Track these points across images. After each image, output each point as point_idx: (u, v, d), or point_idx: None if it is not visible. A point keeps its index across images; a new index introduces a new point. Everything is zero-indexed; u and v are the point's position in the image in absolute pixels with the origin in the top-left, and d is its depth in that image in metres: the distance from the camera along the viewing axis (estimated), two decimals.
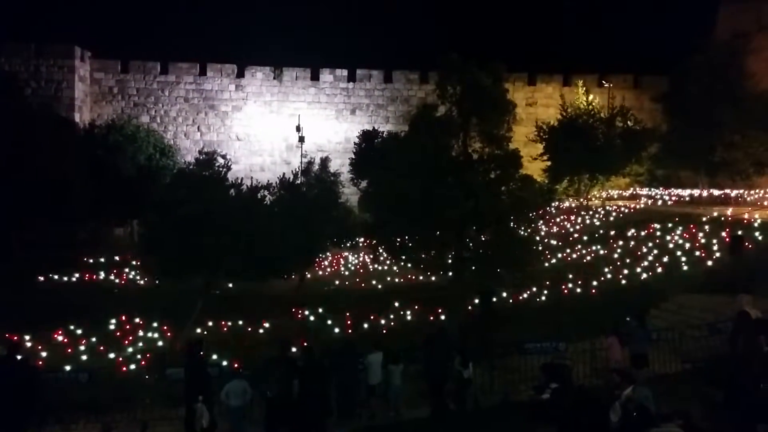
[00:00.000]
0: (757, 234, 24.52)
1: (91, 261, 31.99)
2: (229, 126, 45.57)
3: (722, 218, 28.60)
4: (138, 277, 28.95)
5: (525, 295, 24.30)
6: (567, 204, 40.16)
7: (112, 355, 18.50)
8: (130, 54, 45.12)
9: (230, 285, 25.06)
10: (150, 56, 45.15)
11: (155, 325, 21.58)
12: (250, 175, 39.54)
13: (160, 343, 20.09)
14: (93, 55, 44.41)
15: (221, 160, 27.21)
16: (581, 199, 39.99)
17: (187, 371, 12.54)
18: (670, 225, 29.33)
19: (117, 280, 29.00)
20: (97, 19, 56.12)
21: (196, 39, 50.49)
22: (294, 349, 15.77)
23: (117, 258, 32.45)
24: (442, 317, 21.83)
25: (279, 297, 25.67)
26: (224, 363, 16.04)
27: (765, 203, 32.10)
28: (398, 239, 23.99)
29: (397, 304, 23.82)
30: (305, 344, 14.77)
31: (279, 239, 20.68)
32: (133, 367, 16.92)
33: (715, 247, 24.63)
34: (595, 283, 24.25)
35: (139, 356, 18.45)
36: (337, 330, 21.28)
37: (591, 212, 36.84)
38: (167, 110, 45.11)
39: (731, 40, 41.57)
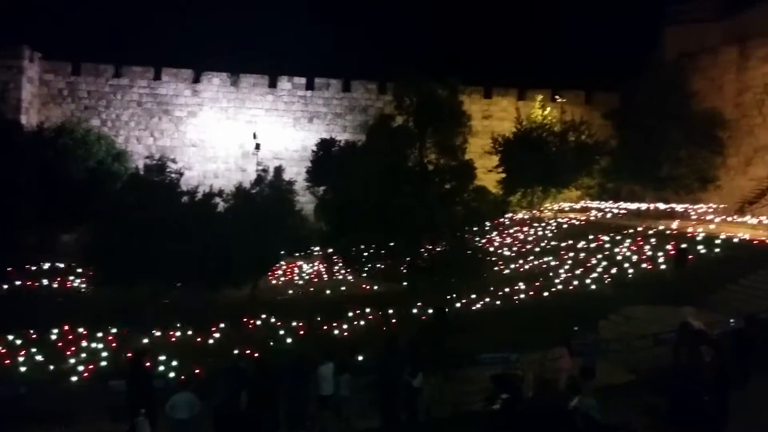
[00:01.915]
0: (700, 247, 25.32)
1: (34, 268, 30.91)
2: (183, 132, 44.82)
3: (668, 232, 29.44)
4: (83, 286, 28.08)
5: (478, 306, 24.50)
6: (520, 215, 40.79)
7: (52, 367, 17.85)
8: (81, 56, 44.00)
9: (180, 294, 24.52)
10: (103, 59, 44.12)
11: (100, 335, 20.94)
12: (205, 182, 38.94)
13: (104, 354, 19.48)
14: (43, 56, 43.16)
15: (173, 166, 26.67)
16: (534, 211, 40.67)
17: (131, 383, 12.19)
18: (618, 237, 30.04)
19: (60, 288, 28.06)
20: (48, 19, 54.58)
21: (152, 42, 49.48)
22: (244, 360, 15.51)
23: (62, 265, 31.43)
24: (395, 327, 21.80)
25: (230, 306, 25.26)
26: (171, 374, 15.66)
27: (708, 218, 33.19)
28: (353, 248, 23.97)
29: (350, 314, 23.71)
30: (256, 355, 14.55)
31: (232, 247, 20.40)
32: (74, 379, 16.36)
33: (661, 260, 25.32)
34: (546, 294, 24.62)
35: (81, 368, 17.84)
36: (289, 340, 21.03)
37: (543, 224, 37.47)
38: (119, 114, 44.10)
39: (677, 60, 43.11)
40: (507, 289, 25.97)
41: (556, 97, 46.83)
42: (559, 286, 25.35)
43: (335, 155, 37.53)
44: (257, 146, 42.82)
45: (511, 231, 37.34)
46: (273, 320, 23.29)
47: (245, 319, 23.05)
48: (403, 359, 14.47)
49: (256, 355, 15.28)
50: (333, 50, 52.03)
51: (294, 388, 13.45)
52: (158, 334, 21.07)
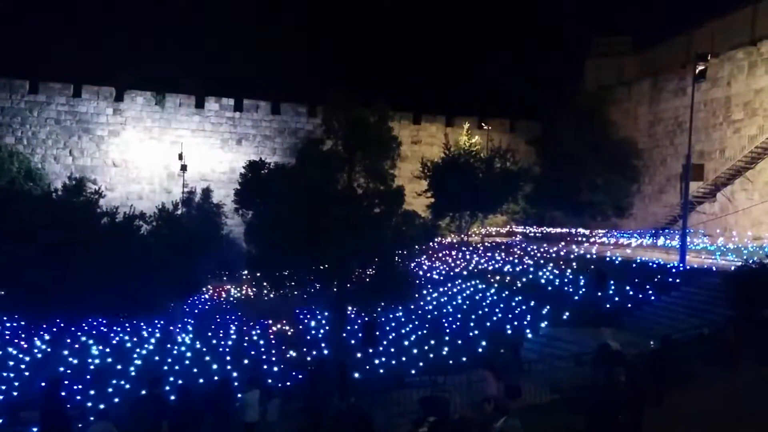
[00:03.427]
0: (618, 271, 26.40)
1: None
2: (105, 151, 43.29)
3: (588, 256, 30.58)
4: None
5: (407, 329, 24.61)
6: (449, 239, 41.44)
7: None
8: None
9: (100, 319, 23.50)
10: (18, 74, 42.18)
11: (11, 363, 19.73)
12: (128, 203, 37.67)
13: (15, 383, 18.33)
14: None
15: (93, 186, 25.68)
16: (462, 235, 41.41)
17: (44, 414, 11.51)
18: (542, 261, 30.95)
19: None
20: None
21: (71, 59, 47.70)
22: (167, 387, 14.95)
23: None
24: (324, 351, 21.63)
25: (153, 330, 24.39)
26: (88, 404, 14.91)
27: (624, 242, 34.70)
28: (281, 272, 23.68)
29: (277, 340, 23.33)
30: (179, 382, 14.06)
31: (154, 272, 19.74)
32: None
33: (581, 283, 26.23)
34: (473, 316, 25.00)
35: None
36: (215, 366, 20.45)
37: (471, 248, 38.18)
38: (35, 132, 42.17)
39: (596, 91, 45.28)
40: (435, 312, 26.26)
41: (483, 124, 48.15)
42: (486, 309, 25.82)
43: (264, 178, 37.10)
44: (183, 167, 41.83)
45: (440, 255, 37.86)
46: (198, 345, 22.63)
47: (168, 344, 22.29)
48: (331, 384, 14.32)
49: (179, 382, 14.75)
50: (262, 72, 51.73)
51: (218, 415, 13.06)
52: (75, 361, 20.06)
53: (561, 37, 55.11)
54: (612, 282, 24.43)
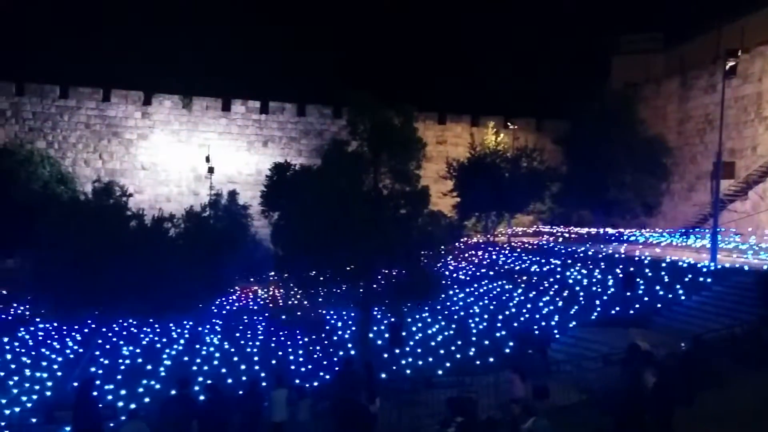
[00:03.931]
0: (647, 271, 26.05)
1: None
2: (134, 154, 43.97)
3: (616, 255, 30.22)
4: (28, 313, 27.05)
5: (433, 329, 24.60)
6: (475, 240, 41.28)
7: None
8: (26, 76, 42.84)
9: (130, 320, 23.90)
10: (49, 79, 43.03)
11: (44, 364, 20.17)
12: (156, 206, 38.23)
13: (49, 384, 18.75)
14: None
15: (121, 189, 26.03)
16: (488, 235, 41.22)
17: (77, 414, 11.74)
18: (569, 261, 30.67)
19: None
20: None
21: (101, 63, 48.52)
22: (196, 387, 15.16)
23: (5, 291, 30.24)
24: (351, 352, 21.71)
25: (182, 331, 24.76)
26: (119, 403, 15.17)
27: (653, 242, 34.22)
28: (307, 273, 23.79)
29: (306, 339, 23.50)
30: (208, 382, 14.24)
31: (182, 274, 19.99)
32: (17, 410, 15.68)
33: (610, 283, 25.94)
34: (500, 317, 24.89)
35: (25, 398, 17.13)
36: (243, 366, 20.67)
37: (497, 248, 38.00)
38: (66, 136, 43.01)
39: (623, 89, 44.67)
40: (462, 312, 26.20)
41: (509, 123, 47.86)
42: (513, 309, 25.68)
43: (290, 179, 37.36)
44: (210, 170, 42.31)
45: (466, 255, 37.75)
46: (226, 345, 22.90)
47: (197, 345, 22.59)
48: (359, 384, 14.36)
49: (208, 381, 14.92)
50: (288, 74, 52.07)
51: (246, 415, 13.19)
52: (106, 361, 20.44)
53: (587, 35, 54.49)
54: (641, 282, 24.12)
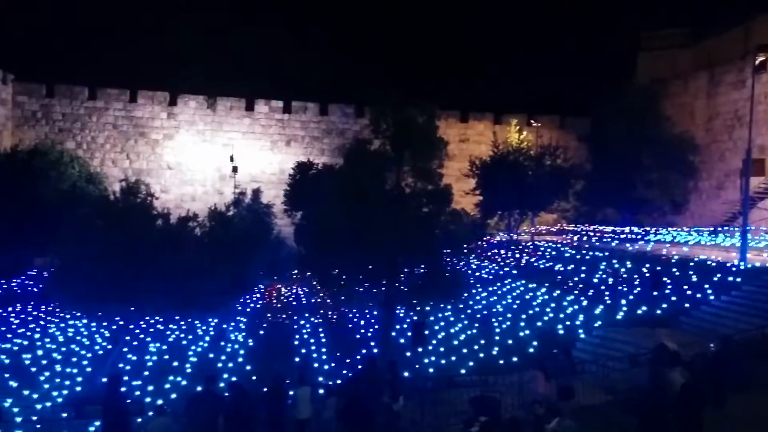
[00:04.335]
0: (674, 270, 25.70)
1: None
2: (159, 154, 44.56)
3: (642, 254, 29.84)
4: (58, 310, 27.57)
5: (456, 328, 24.54)
6: (498, 238, 41.08)
7: (26, 392, 17.44)
8: (56, 78, 43.68)
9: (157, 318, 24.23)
10: (77, 81, 43.80)
11: (74, 359, 20.55)
12: (182, 205, 38.74)
13: (78, 379, 19.10)
14: (16, 78, 42.76)
15: (147, 189, 26.31)
16: (511, 234, 40.98)
17: (106, 409, 11.93)
18: (593, 260, 30.35)
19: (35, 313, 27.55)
20: (22, 41, 54.19)
21: (127, 65, 49.31)
22: (221, 384, 15.31)
23: (35, 289, 30.88)
24: (374, 350, 21.75)
25: (207, 328, 25.04)
26: (147, 399, 15.39)
27: (681, 240, 33.73)
28: (330, 272, 23.87)
29: (329, 337, 23.61)
30: (233, 379, 14.38)
31: (207, 272, 20.20)
32: (48, 404, 15.99)
33: (636, 282, 25.62)
34: (523, 316, 24.74)
35: (55, 393, 17.47)
36: (267, 364, 20.82)
37: (520, 247, 37.76)
38: (94, 137, 43.73)
39: (649, 86, 44.07)
40: (485, 311, 26.10)
41: (532, 121, 47.52)
42: (536, 309, 25.51)
43: (312, 178, 37.56)
44: (234, 169, 42.73)
45: (489, 253, 37.59)
46: (251, 343, 23.10)
47: (222, 343, 22.83)
48: (381, 382, 14.39)
49: (233, 379, 15.08)
50: (310, 74, 52.29)
51: (272, 412, 13.30)
52: (134, 358, 20.76)
53: (612, 31, 53.84)
54: (668, 281, 23.79)
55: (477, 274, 32.57)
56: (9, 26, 53.60)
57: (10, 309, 27.62)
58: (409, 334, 21.29)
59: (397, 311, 23.97)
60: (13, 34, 53.91)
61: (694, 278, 24.43)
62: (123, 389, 13.01)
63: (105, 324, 24.26)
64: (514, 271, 32.20)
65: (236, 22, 58.15)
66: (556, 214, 43.52)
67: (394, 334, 23.08)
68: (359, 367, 15.55)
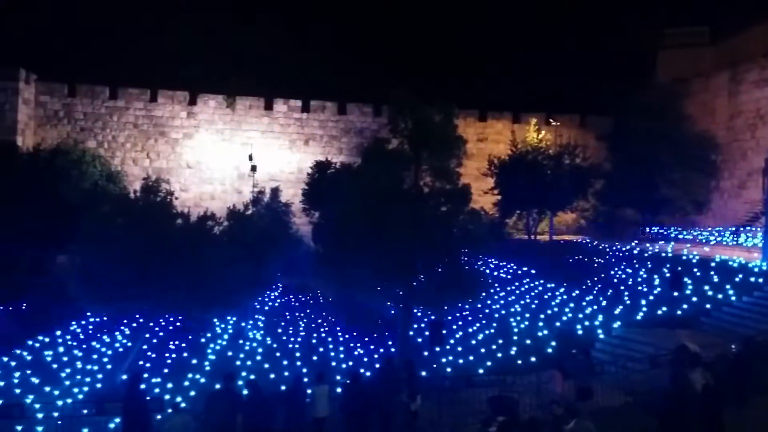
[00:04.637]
0: (695, 270, 25.41)
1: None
2: (179, 153, 44.93)
3: (663, 254, 29.54)
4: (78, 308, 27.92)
5: (474, 327, 24.47)
6: (516, 237, 40.88)
7: (47, 389, 17.70)
8: (77, 77, 44.20)
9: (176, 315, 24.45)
10: (98, 80, 44.33)
11: (94, 357, 20.81)
12: (201, 204, 39.04)
13: (99, 376, 19.34)
14: (38, 78, 43.37)
15: (166, 187, 26.50)
16: (530, 233, 40.77)
17: (126, 406, 12.09)
18: (613, 260, 30.12)
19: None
20: (44, 41, 54.95)
21: (147, 64, 49.74)
22: (239, 382, 15.42)
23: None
24: (392, 349, 21.76)
25: (226, 326, 25.22)
26: (166, 397, 15.54)
27: (702, 240, 33.35)
28: (350, 271, 23.89)
29: (346, 336, 23.65)
30: (251, 377, 14.47)
31: (226, 270, 20.30)
32: (69, 401, 16.21)
33: (657, 282, 25.37)
34: (542, 316, 24.61)
35: (76, 389, 17.71)
36: (285, 362, 20.94)
37: (539, 246, 37.55)
38: (115, 136, 44.21)
39: (670, 84, 43.59)
40: (503, 311, 25.99)
41: (551, 120, 47.21)
42: (555, 308, 25.35)
43: (331, 177, 37.64)
44: (253, 168, 42.94)
45: (507, 253, 37.41)
46: (268, 341, 23.22)
47: (240, 340, 22.98)
48: (399, 381, 14.40)
49: (251, 377, 15.16)
50: (329, 73, 52.41)
51: (290, 410, 13.36)
52: (153, 355, 20.97)
53: (631, 29, 53.24)
54: (689, 281, 23.54)
55: (495, 273, 32.45)
56: (31, 27, 54.39)
57: (29, 306, 28.06)
58: (427, 333, 21.27)
59: (415, 310, 23.96)
60: (35, 34, 54.69)
61: (716, 279, 24.14)
62: (143, 386, 13.13)
63: (125, 321, 24.56)
64: (533, 271, 32.04)
65: (254, 23, 58.48)
66: (576, 213, 43.22)
67: (411, 333, 23.07)
68: (377, 366, 15.55)
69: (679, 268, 24.74)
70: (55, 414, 14.06)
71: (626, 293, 25.19)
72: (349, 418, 13.49)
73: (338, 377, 17.93)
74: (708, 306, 22.09)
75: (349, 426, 13.54)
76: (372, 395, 14.28)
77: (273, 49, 55.30)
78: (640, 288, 25.45)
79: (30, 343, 22.27)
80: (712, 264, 25.82)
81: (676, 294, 22.48)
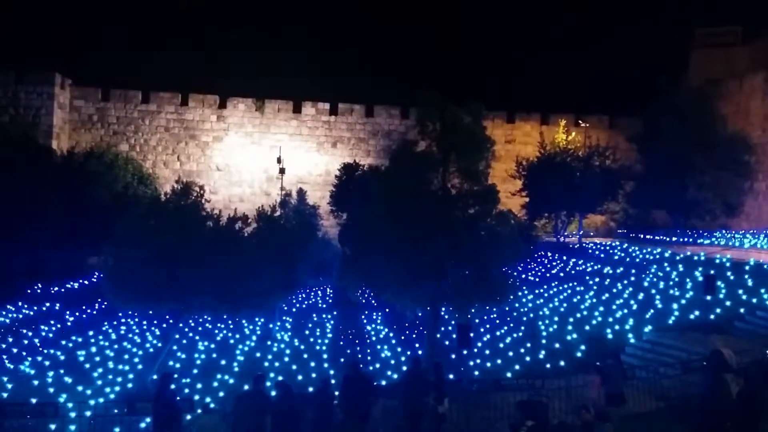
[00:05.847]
0: (729, 273, 24.89)
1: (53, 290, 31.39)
2: (209, 156, 45.52)
3: (695, 257, 29.00)
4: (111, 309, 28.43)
5: (502, 330, 24.31)
6: (545, 240, 40.52)
7: (80, 388, 18.04)
8: (111, 82, 45.18)
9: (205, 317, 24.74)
10: (131, 85, 45.23)
11: (126, 357, 21.14)
12: (230, 206, 39.48)
13: (130, 376, 19.65)
14: (73, 83, 44.33)
15: (197, 190, 26.84)
16: (559, 236, 40.37)
17: (157, 406, 12.25)
18: (644, 263, 29.65)
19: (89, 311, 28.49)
20: (78, 46, 56.19)
21: (179, 69, 50.58)
22: (268, 383, 15.52)
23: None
24: (419, 351, 21.71)
25: (254, 327, 25.43)
26: (195, 397, 15.71)
27: (736, 243, 32.66)
28: (377, 273, 23.91)
29: (373, 338, 23.67)
30: (280, 379, 14.55)
31: (255, 272, 20.47)
32: (101, 400, 16.50)
33: (689, 286, 24.91)
34: (571, 319, 24.34)
35: (108, 389, 18.01)
36: (313, 364, 21.04)
37: (568, 248, 37.16)
38: (147, 139, 44.97)
39: (703, 85, 42.82)
40: (531, 314, 25.77)
41: (580, 121, 46.73)
42: (584, 312, 25.05)
43: (358, 180, 37.75)
44: (281, 170, 43.28)
45: (536, 255, 37.10)
46: (296, 343, 23.35)
47: (269, 342, 23.15)
48: (427, 384, 14.35)
49: (280, 379, 15.25)
50: (356, 75, 52.64)
51: (319, 413, 13.39)
52: (183, 356, 21.22)
53: (663, 29, 52.51)
54: (722, 285, 23.06)
55: (523, 276, 32.18)
56: (67, 33, 55.59)
57: (62, 307, 28.65)
58: (455, 335, 21.17)
59: (443, 313, 23.88)
60: (70, 40, 55.86)
61: (750, 283, 23.61)
62: (173, 387, 13.30)
63: (156, 322, 24.92)
64: (561, 274, 31.70)
65: (283, 26, 59.00)
66: (605, 215, 42.69)
67: (439, 335, 22.99)
68: (405, 368, 15.53)
69: (712, 272, 24.25)
70: (88, 413, 14.31)
71: (657, 297, 24.77)
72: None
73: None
74: (742, 310, 21.61)
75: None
76: (400, 396, 14.28)
77: (301, 52, 55.72)
78: (671, 292, 25.01)
79: (63, 343, 22.72)
80: (746, 267, 25.26)
81: (709, 298, 22.04)
